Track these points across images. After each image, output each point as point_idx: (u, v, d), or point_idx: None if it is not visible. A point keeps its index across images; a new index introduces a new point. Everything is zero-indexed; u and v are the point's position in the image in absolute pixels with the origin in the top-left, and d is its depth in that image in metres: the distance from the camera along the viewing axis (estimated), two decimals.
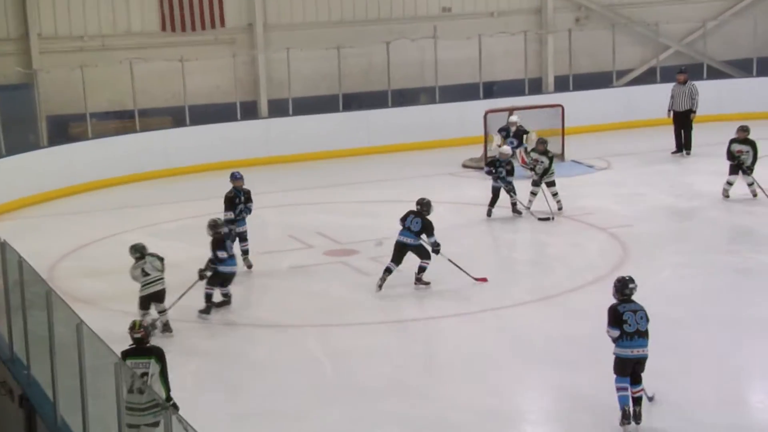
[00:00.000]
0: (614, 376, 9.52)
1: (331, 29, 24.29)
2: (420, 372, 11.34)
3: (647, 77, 25.63)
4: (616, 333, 9.46)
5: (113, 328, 10.67)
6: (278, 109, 23.57)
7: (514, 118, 20.39)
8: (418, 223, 13.61)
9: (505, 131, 20.10)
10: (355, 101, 23.91)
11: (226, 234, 13.23)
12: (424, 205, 13.77)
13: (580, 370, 10.87)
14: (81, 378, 8.03)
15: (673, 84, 21.67)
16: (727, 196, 17.22)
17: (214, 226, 12.94)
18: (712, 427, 9.68)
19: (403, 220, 13.80)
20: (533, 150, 17.58)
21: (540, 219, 16.64)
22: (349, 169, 21.06)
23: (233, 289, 13.18)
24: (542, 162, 16.99)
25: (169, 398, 8.89)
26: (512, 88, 24.70)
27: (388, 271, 13.57)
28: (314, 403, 10.48)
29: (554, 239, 16.26)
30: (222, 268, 12.84)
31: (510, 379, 10.97)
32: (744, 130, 17.24)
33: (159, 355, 9.02)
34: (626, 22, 26.41)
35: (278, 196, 18.90)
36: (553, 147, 18.65)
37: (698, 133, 21.08)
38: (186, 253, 14.44)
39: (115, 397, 7.39)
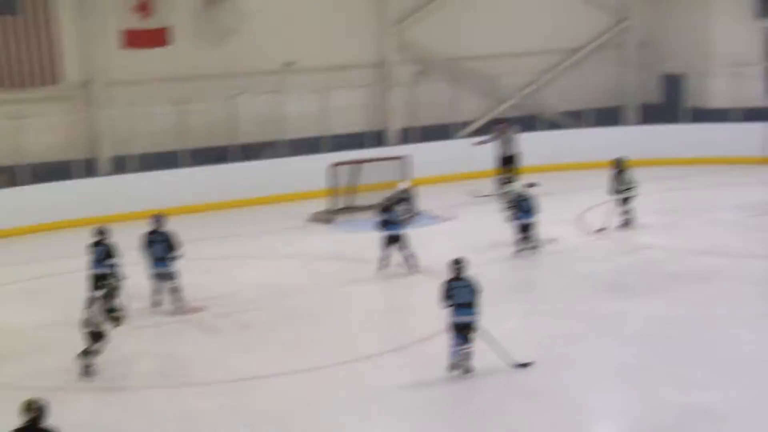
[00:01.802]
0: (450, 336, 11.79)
1: (174, 84, 23.99)
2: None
3: (487, 129, 26.28)
4: (446, 304, 11.87)
5: None
6: (121, 165, 23.10)
7: (404, 184, 20.43)
8: None
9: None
10: (201, 156, 23.63)
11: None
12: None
13: (435, 419, 10.87)
14: None
15: (491, 136, 23.33)
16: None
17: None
18: None
19: None
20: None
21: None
22: (194, 226, 20.67)
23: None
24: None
25: None
26: (356, 140, 24.89)
27: None
28: None
29: (403, 291, 16.35)
30: None
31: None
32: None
33: None
34: (466, 76, 27.02)
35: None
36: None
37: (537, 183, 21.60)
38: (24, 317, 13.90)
39: None
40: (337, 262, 17.99)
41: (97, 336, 12.51)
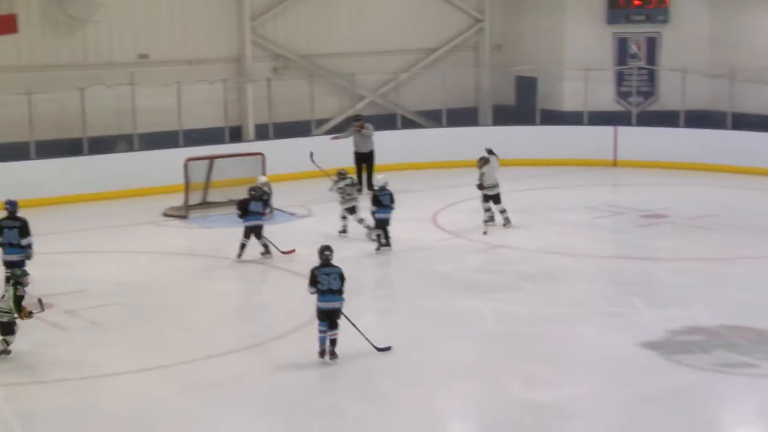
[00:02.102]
0: (317, 321, 12.20)
1: (24, 74, 23.27)
2: None
3: (345, 126, 26.34)
4: (313, 290, 12.21)
5: None
6: None
7: (263, 179, 20.05)
8: None
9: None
10: (49, 149, 22.97)
11: None
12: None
13: (289, 418, 10.86)
14: None
15: (350, 130, 23.49)
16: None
17: None
18: None
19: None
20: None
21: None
22: (45, 219, 20.09)
23: None
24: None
25: None
26: (212, 136, 24.63)
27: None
28: None
29: (258, 287, 16.28)
30: None
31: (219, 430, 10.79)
32: None
33: None
34: (323, 73, 27.06)
35: None
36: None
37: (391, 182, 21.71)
38: None
39: None
40: (192, 258, 17.78)
41: None
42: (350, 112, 26.67)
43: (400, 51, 28.17)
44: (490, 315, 14.29)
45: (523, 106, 27.99)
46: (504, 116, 28.11)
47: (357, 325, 12.55)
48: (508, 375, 12.02)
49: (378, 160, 23.25)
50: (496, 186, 19.05)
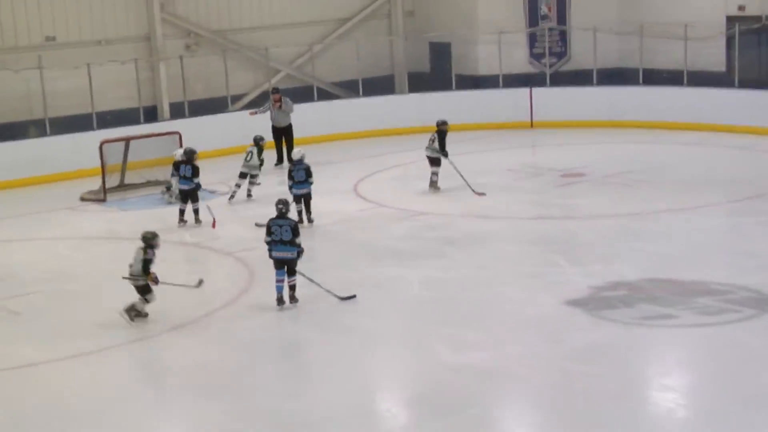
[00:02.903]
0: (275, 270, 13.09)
1: None
2: (45, 423, 10.60)
3: (262, 101, 26.15)
4: (268, 239, 13.14)
5: None
6: None
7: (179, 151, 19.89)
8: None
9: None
10: None
11: None
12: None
13: (217, 398, 10.79)
14: None
15: (268, 103, 23.29)
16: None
17: None
18: None
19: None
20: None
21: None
22: None
23: None
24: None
25: None
26: (127, 117, 24.27)
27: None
28: None
29: (181, 266, 16.11)
30: None
31: (148, 414, 10.66)
32: None
33: None
34: (236, 48, 26.78)
35: None
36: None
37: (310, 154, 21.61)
38: None
39: None
40: (112, 242, 17.52)
41: None
42: (266, 86, 26.47)
43: (313, 22, 28.00)
44: (416, 282, 14.33)
45: (439, 72, 28.04)
46: (420, 83, 28.12)
47: (315, 280, 13.21)
48: (437, 340, 12.08)
49: (296, 133, 23.11)
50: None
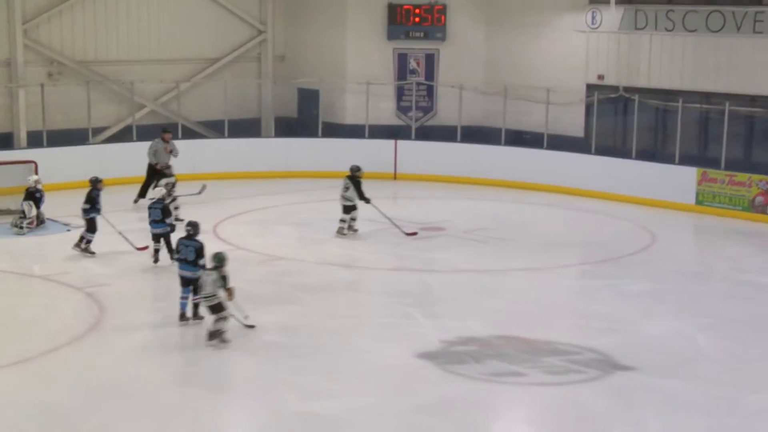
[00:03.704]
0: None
1: None
2: None
3: (123, 135, 25.70)
4: (175, 257, 14.47)
5: None
6: None
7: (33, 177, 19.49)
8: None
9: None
10: None
11: None
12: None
13: None
14: None
15: (157, 140, 22.49)
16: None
17: None
18: None
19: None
20: None
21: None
22: None
23: None
24: None
25: None
26: None
27: None
28: None
29: (27, 300, 15.59)
30: None
31: None
32: None
33: None
34: (101, 80, 26.32)
35: None
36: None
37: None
38: None
39: None
40: None
41: None
42: (129, 121, 26.04)
43: (182, 60, 27.75)
44: (268, 327, 14.19)
45: (306, 118, 28.11)
46: (286, 128, 28.15)
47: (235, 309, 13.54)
48: (285, 387, 11.97)
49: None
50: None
